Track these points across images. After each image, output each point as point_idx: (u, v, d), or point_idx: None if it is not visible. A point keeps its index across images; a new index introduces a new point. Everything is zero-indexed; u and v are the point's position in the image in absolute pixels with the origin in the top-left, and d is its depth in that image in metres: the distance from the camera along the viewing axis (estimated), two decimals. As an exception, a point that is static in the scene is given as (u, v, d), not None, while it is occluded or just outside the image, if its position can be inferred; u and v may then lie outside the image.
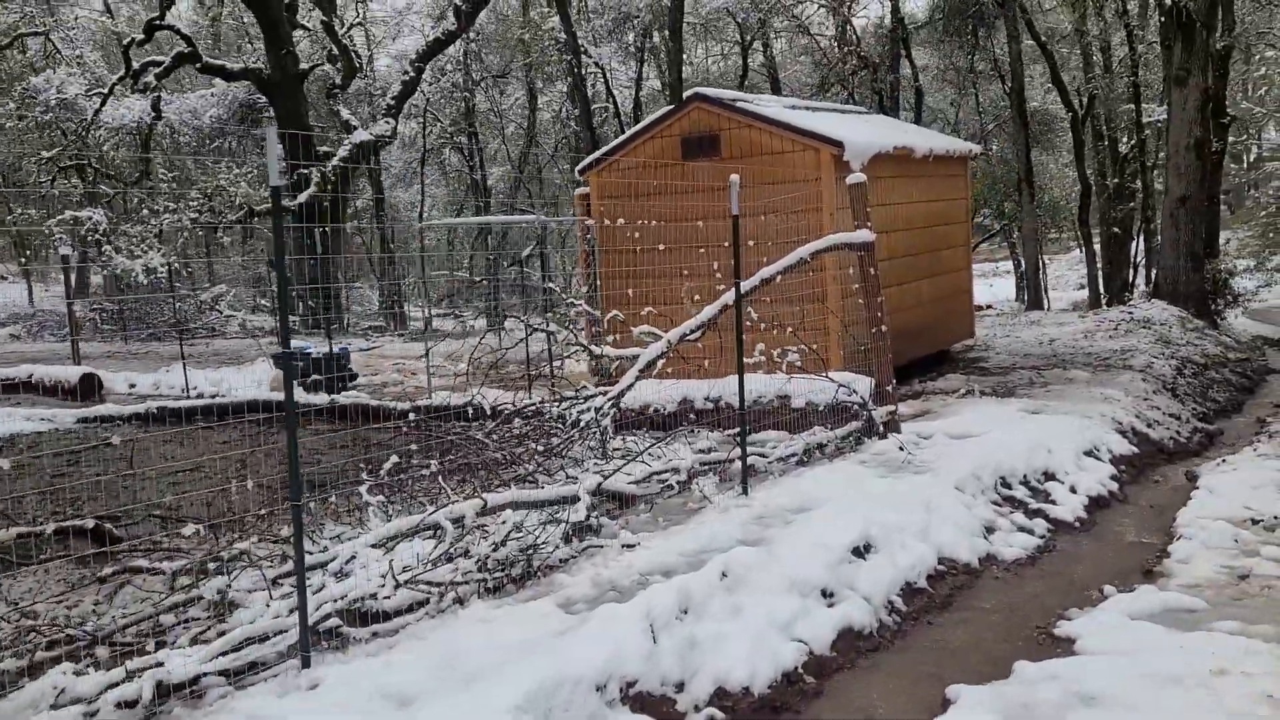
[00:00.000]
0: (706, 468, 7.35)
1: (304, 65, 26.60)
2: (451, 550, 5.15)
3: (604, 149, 11.72)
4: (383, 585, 4.48)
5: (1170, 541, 6.58)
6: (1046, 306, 29.64)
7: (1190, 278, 17.50)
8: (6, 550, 5.32)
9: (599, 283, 11.53)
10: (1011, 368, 12.72)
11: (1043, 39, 24.98)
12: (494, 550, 4.99)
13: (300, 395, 13.10)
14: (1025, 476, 7.72)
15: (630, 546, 5.59)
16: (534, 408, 7.76)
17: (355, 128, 28.23)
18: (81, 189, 25.33)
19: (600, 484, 6.43)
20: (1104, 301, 27.51)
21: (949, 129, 27.81)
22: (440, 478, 5.87)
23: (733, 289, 7.58)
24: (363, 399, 11.32)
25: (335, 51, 28.43)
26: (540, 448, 7.14)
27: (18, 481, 8.68)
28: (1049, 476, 7.87)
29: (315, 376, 13.85)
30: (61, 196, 26.89)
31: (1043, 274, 31.75)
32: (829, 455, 7.90)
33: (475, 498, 5.50)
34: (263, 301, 30.89)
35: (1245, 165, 50.75)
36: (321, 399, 11.12)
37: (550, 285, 9.63)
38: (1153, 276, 23.62)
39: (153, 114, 24.22)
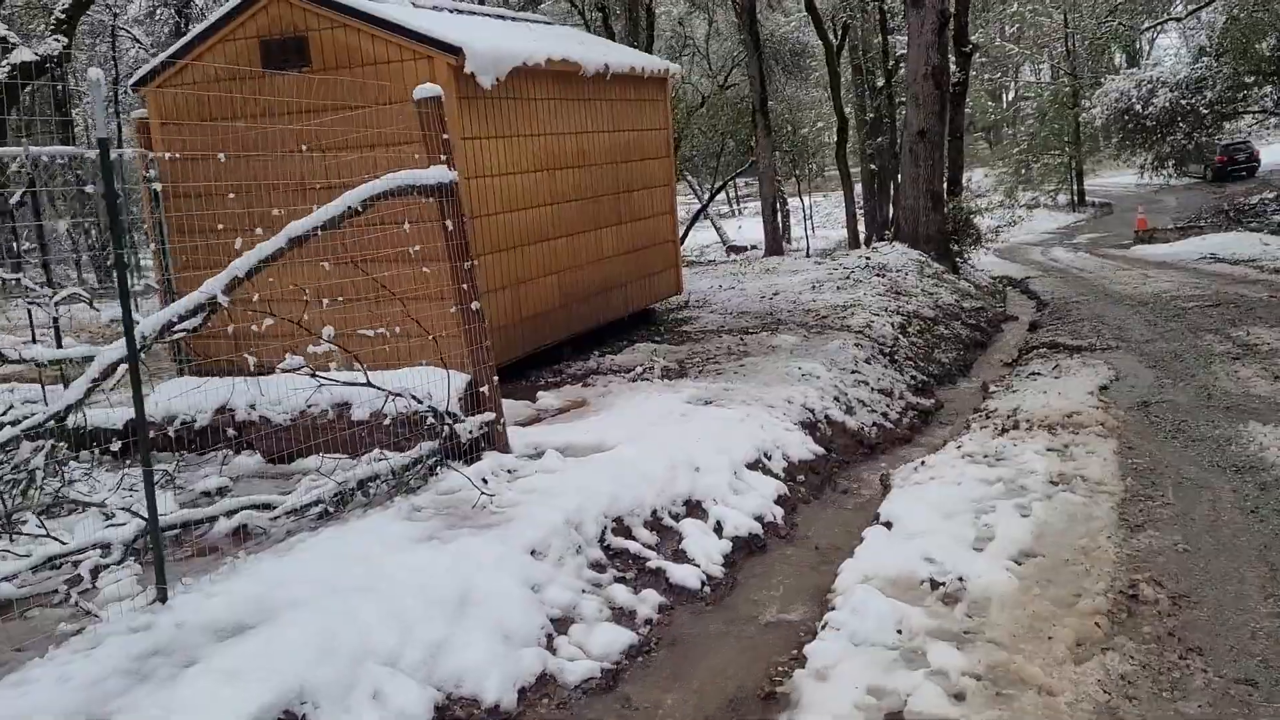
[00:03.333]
0: (166, 536, 4.75)
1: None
2: None
3: (163, 55, 8.71)
4: None
5: (819, 620, 4.55)
6: (808, 250, 28.52)
7: (930, 218, 16.14)
8: None
9: (166, 240, 8.64)
10: (717, 331, 10.70)
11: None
12: None
13: None
14: (656, 513, 5.54)
15: None
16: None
17: (15, 45, 23.47)
18: None
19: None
20: (865, 241, 26.57)
21: (701, 59, 25.81)
22: None
23: (253, 247, 4.98)
24: None
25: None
26: None
27: None
28: (693, 508, 5.74)
29: None
30: None
31: (806, 214, 30.68)
32: (380, 497, 5.46)
33: None
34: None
35: (1004, 104, 52.22)
36: None
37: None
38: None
39: None
